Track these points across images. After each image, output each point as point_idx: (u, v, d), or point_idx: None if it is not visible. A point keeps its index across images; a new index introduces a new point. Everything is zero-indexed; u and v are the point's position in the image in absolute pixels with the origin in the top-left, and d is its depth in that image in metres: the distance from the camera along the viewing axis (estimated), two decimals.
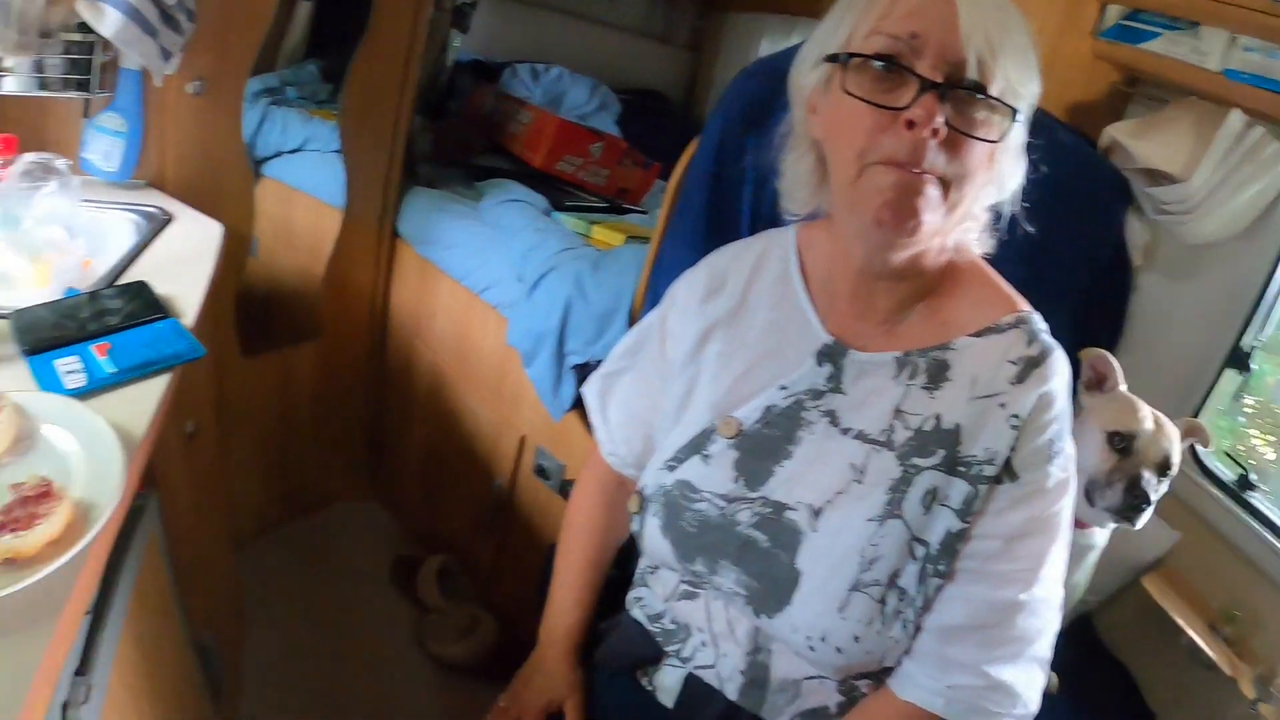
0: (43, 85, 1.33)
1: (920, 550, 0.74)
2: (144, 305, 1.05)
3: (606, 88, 2.65)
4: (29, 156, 1.12)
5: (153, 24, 1.27)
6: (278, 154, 2.05)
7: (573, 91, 2.57)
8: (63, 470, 0.77)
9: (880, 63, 0.68)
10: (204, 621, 1.24)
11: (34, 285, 1.08)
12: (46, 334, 0.96)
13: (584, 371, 1.42)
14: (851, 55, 0.69)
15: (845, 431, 0.78)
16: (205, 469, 1.38)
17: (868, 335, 0.81)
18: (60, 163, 1.13)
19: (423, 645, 1.82)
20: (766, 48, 2.55)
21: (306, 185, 2.03)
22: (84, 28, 1.26)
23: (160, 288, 1.08)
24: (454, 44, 2.10)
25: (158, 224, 1.29)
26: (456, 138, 2.23)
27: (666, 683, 0.87)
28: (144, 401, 0.89)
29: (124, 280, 1.12)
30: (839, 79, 0.71)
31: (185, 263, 1.19)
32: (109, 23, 1.21)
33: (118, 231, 1.25)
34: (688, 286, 0.91)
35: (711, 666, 0.84)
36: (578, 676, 0.96)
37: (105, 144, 1.39)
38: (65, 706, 0.70)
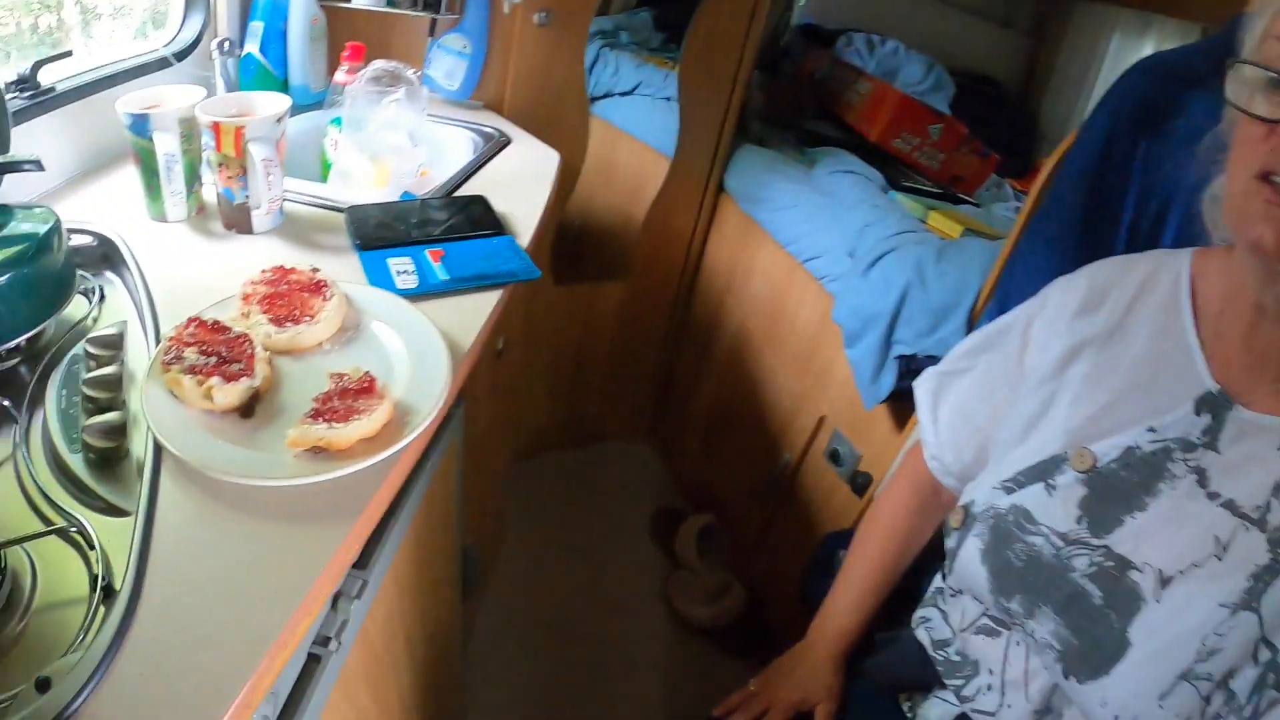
0: (392, 3, 1.39)
1: (1266, 655, 0.61)
2: (481, 219, 1.05)
3: (941, 68, 2.44)
4: (379, 63, 1.16)
5: None
6: (607, 95, 2.09)
7: (907, 68, 2.38)
8: (385, 368, 0.77)
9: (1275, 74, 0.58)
10: (472, 528, 1.28)
11: (372, 185, 1.13)
12: (381, 232, 0.99)
13: (908, 364, 1.31)
14: (1246, 63, 0.60)
15: (1213, 496, 0.66)
16: (506, 385, 1.42)
17: (1258, 391, 0.68)
18: (410, 72, 1.17)
19: (668, 600, 1.82)
20: (1118, 44, 2.25)
21: (634, 128, 2.05)
22: None
23: (497, 206, 1.09)
24: (799, 2, 2.01)
25: (495, 145, 1.31)
26: (789, 99, 2.14)
27: (931, 715, 0.81)
28: (473, 314, 0.89)
29: (460, 194, 1.14)
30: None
31: (521, 184, 1.19)
32: None
33: (456, 146, 1.29)
34: (1062, 294, 0.80)
35: (991, 715, 0.75)
36: (839, 683, 0.90)
37: (448, 63, 1.44)
38: (336, 596, 0.71)
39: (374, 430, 0.68)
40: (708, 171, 1.93)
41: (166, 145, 0.95)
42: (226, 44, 1.25)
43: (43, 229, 0.82)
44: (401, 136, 1.14)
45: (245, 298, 0.81)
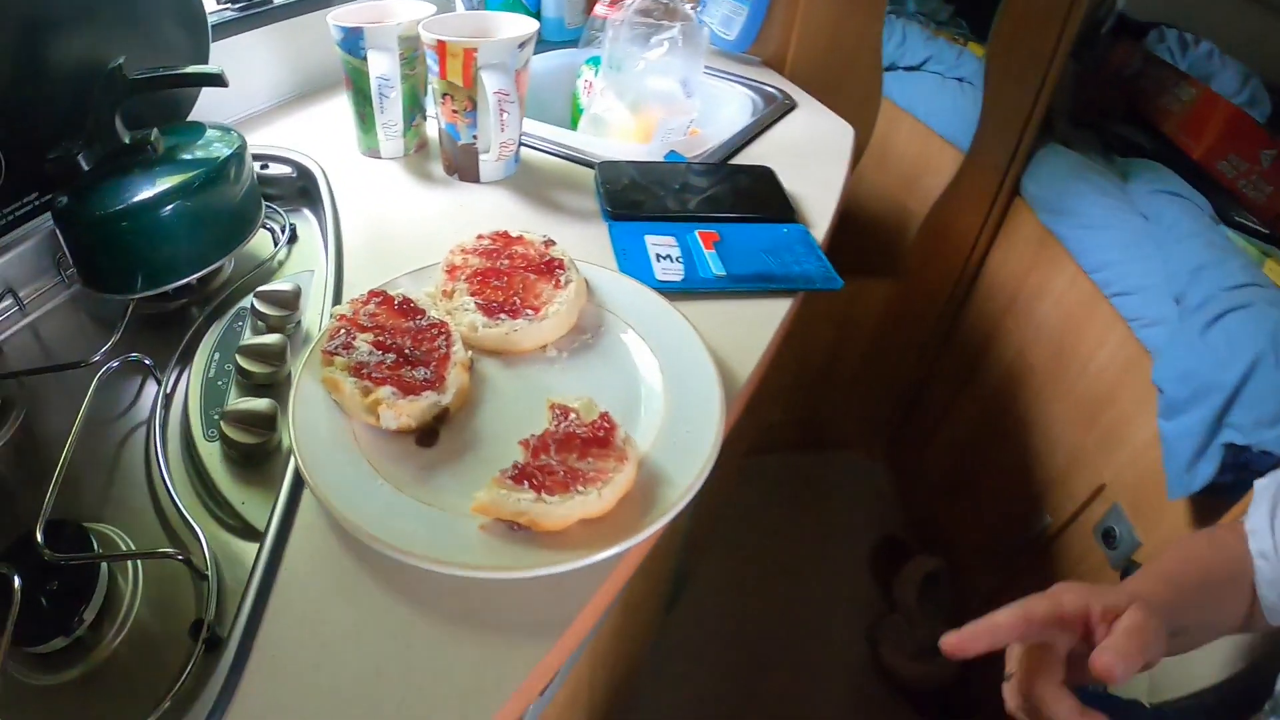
0: None
1: None
2: (767, 197, 0.78)
3: (1259, 80, 1.98)
4: None
5: None
6: (891, 67, 1.81)
7: (1221, 76, 1.94)
8: (628, 400, 0.53)
9: None
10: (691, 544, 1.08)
11: (631, 138, 0.89)
12: (638, 197, 0.75)
13: (1237, 456, 1.00)
14: None
15: None
16: None
17: None
18: (687, 7, 0.91)
19: (873, 644, 1.57)
20: None
21: (918, 109, 1.76)
22: None
23: (785, 183, 0.82)
24: None
25: (778, 108, 1.04)
26: (1095, 95, 1.80)
27: None
28: (749, 331, 0.62)
29: (736, 161, 0.88)
30: None
31: (811, 160, 0.91)
32: None
33: (732, 104, 1.02)
34: None
35: None
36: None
37: (727, 9, 1.18)
38: None
39: (602, 510, 0.43)
40: (1004, 170, 1.61)
41: (382, 67, 0.75)
42: None
43: (225, 153, 0.67)
44: (671, 84, 0.89)
45: (451, 270, 0.59)
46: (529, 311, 0.55)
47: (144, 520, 0.50)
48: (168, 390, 0.59)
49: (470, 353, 0.55)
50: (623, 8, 0.98)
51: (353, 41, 0.76)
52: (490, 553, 0.42)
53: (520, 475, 0.42)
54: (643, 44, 0.89)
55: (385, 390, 0.48)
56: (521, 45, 0.71)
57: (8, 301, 0.66)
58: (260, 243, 0.76)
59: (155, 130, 0.67)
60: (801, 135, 0.98)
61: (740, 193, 0.77)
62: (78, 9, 0.66)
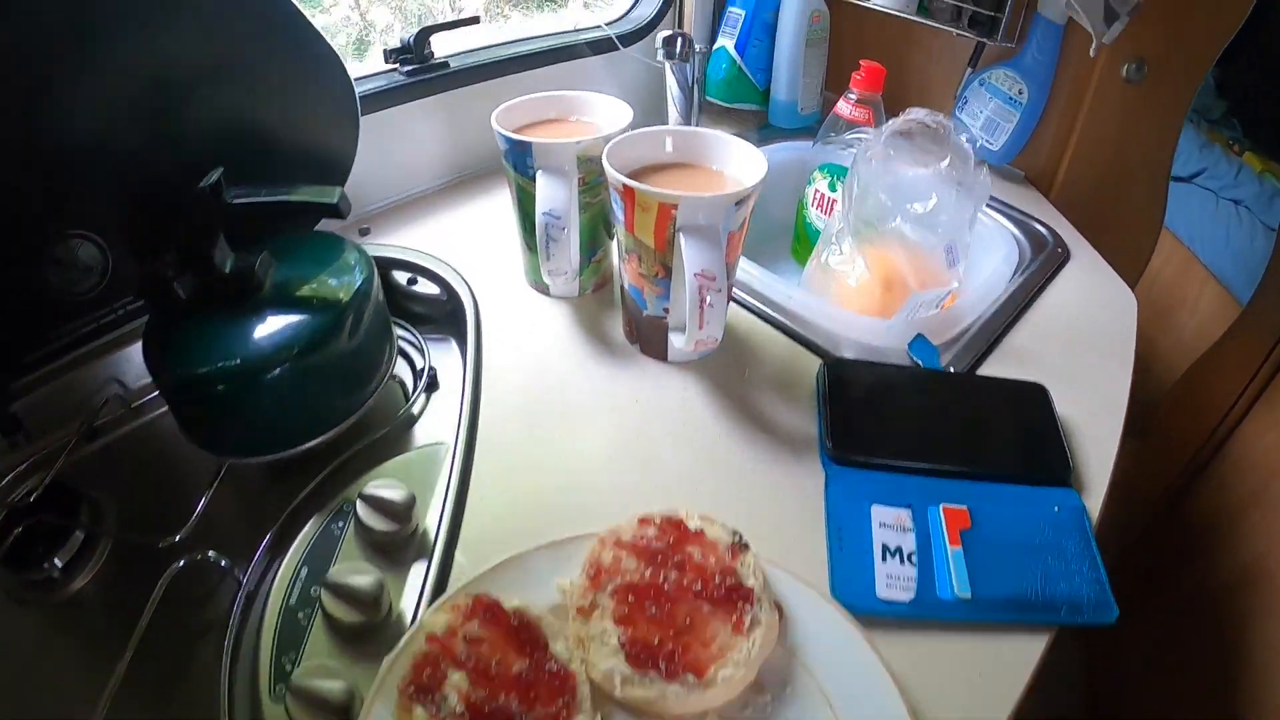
0: (924, 9, 0.94)
1: None
2: (1037, 441, 0.56)
3: None
4: (918, 113, 0.70)
5: None
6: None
7: None
8: None
9: None
10: None
11: (868, 302, 0.69)
12: (870, 429, 0.55)
13: None
14: None
15: None
16: None
17: None
18: (964, 139, 0.69)
19: None
20: None
21: (1181, 228, 1.48)
22: None
23: (1057, 401, 0.59)
24: None
25: (1049, 263, 0.81)
26: None
27: None
28: (988, 681, 0.42)
29: (998, 350, 0.66)
30: None
31: (1086, 354, 0.67)
32: None
33: (995, 253, 0.79)
34: None
35: None
36: None
37: (991, 110, 0.94)
38: None
39: None
40: None
41: (552, 199, 0.58)
42: (682, 42, 0.88)
43: (347, 295, 0.54)
44: (934, 245, 0.68)
45: (596, 574, 0.41)
46: (690, 675, 0.37)
47: None
48: (241, 604, 0.48)
49: (600, 717, 0.38)
50: (873, 117, 0.79)
51: (519, 155, 0.61)
52: None
53: None
54: (900, 181, 0.69)
55: None
56: (739, 203, 0.53)
57: (115, 395, 0.59)
58: (393, 387, 0.64)
59: (265, 254, 0.54)
60: (1075, 307, 0.75)
61: (1003, 429, 0.56)
62: (200, 68, 0.55)
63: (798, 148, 0.96)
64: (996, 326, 0.69)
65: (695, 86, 0.94)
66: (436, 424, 0.61)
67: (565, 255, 0.60)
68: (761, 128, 1.03)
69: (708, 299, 0.51)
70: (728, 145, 0.60)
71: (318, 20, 0.61)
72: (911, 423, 0.57)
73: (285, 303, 0.53)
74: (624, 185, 0.53)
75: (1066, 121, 0.95)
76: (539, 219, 0.58)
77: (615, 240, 0.64)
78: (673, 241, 0.53)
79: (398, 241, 0.76)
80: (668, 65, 0.91)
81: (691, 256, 0.51)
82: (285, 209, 0.53)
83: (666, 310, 0.59)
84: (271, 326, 0.51)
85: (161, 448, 0.60)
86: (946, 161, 0.68)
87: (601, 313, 0.68)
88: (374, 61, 0.82)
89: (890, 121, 0.69)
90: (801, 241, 0.88)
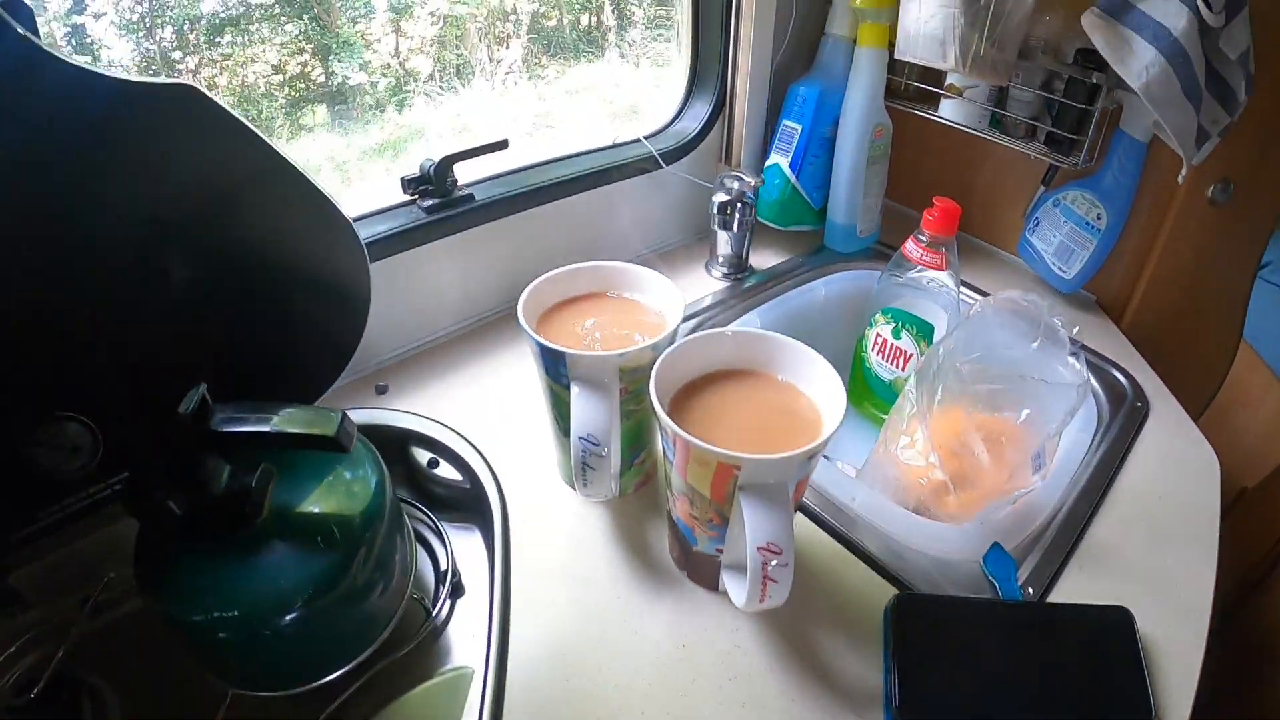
0: (996, 123, 0.88)
1: None
2: (1119, 676, 0.49)
3: None
4: (1014, 296, 0.64)
5: (1199, 83, 0.70)
6: None
7: None
8: None
9: None
10: None
11: (946, 502, 0.62)
12: (942, 678, 0.49)
13: None
14: None
15: None
16: None
17: None
18: (1058, 322, 0.62)
19: None
20: None
21: (1248, 328, 1.34)
22: (1085, 60, 0.79)
23: (1144, 614, 0.53)
24: None
25: (1129, 419, 0.73)
26: None
27: None
28: None
29: (1074, 541, 0.59)
30: None
31: (1169, 543, 0.60)
32: (1136, 64, 0.69)
33: (1061, 403, 0.71)
34: None
35: None
36: None
37: (1066, 234, 0.86)
38: None
39: None
40: None
41: (590, 422, 0.51)
42: (741, 210, 0.82)
43: (359, 521, 0.48)
44: (1020, 445, 0.60)
45: None
46: None
47: None
48: None
49: None
50: (944, 257, 0.71)
51: (552, 364, 0.54)
52: None
53: None
54: (988, 370, 0.62)
55: None
56: (810, 456, 0.46)
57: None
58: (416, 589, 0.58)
59: (264, 467, 0.47)
60: (1156, 479, 0.67)
61: (1083, 673, 0.49)
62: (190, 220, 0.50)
63: (858, 277, 0.89)
64: (1078, 520, 0.62)
65: (749, 234, 0.88)
66: (462, 635, 0.56)
67: (605, 480, 0.53)
68: (817, 250, 0.96)
69: (773, 576, 0.44)
70: (799, 356, 0.52)
71: (355, 76, 0.55)
72: (985, 673, 0.50)
73: (289, 534, 0.47)
74: (674, 436, 0.46)
75: (1145, 244, 0.88)
76: (574, 442, 0.51)
77: (661, 469, 0.57)
78: (732, 496, 0.46)
79: (417, 404, 0.69)
80: (720, 234, 0.86)
81: (755, 526, 0.44)
82: (279, 440, 0.45)
83: (719, 551, 0.52)
84: (273, 568, 0.45)
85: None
86: (1037, 344, 0.61)
87: (645, 519, 0.61)
88: (402, 170, 0.74)
89: (979, 305, 0.63)
90: (859, 385, 0.81)
